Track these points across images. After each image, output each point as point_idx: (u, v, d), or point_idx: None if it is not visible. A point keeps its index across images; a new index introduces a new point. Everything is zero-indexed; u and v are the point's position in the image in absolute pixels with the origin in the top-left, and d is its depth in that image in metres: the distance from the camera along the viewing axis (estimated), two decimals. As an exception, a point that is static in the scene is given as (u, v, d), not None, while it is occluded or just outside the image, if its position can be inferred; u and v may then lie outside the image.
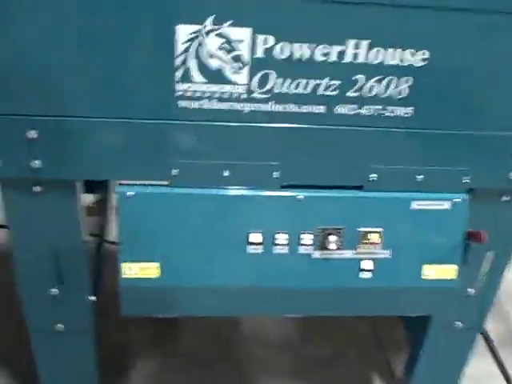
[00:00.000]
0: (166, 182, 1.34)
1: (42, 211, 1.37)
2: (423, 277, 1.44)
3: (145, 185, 1.36)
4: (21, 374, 1.90)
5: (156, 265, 1.38)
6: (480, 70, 1.25)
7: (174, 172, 1.31)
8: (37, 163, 1.26)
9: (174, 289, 1.41)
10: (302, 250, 1.39)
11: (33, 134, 1.22)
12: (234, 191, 1.35)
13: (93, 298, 1.54)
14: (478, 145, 1.34)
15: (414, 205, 1.39)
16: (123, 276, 1.38)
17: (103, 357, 1.76)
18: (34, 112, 1.21)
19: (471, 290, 1.59)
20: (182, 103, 1.23)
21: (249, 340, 2.11)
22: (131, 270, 1.38)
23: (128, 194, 1.33)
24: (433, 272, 1.44)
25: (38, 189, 1.32)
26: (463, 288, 1.58)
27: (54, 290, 1.48)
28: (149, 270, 1.38)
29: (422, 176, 1.37)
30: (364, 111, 1.28)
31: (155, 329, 2.10)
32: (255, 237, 1.37)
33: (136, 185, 1.35)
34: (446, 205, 1.40)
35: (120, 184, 1.34)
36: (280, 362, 2.03)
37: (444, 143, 1.34)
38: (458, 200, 1.40)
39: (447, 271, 1.45)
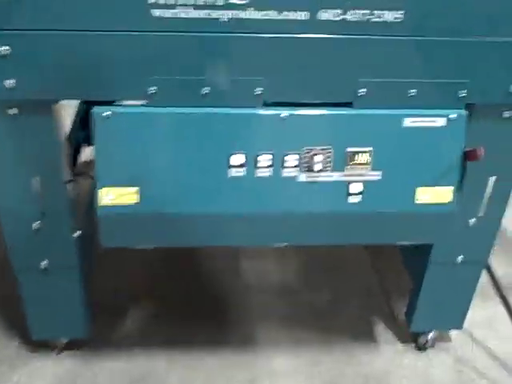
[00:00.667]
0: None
1: (19, 136, 1.31)
2: (417, 200, 1.36)
3: (121, 105, 1.31)
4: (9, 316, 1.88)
5: (134, 189, 1.31)
6: None
7: (151, 90, 1.24)
8: (10, 83, 1.20)
9: (154, 216, 1.35)
10: (286, 172, 1.31)
11: (5, 49, 1.16)
12: (215, 109, 1.28)
13: (77, 234, 1.49)
14: (475, 53, 1.24)
15: (407, 122, 1.30)
16: (101, 203, 1.32)
17: (98, 300, 1.74)
18: (6, 26, 1.14)
19: (472, 220, 1.50)
20: (156, 12, 1.16)
21: (247, 286, 2.06)
22: (109, 196, 1.32)
23: (104, 114, 1.27)
24: (427, 195, 1.35)
25: (14, 111, 1.27)
26: (464, 218, 1.49)
27: (36, 224, 1.44)
28: (127, 195, 1.32)
29: (414, 90, 1.27)
30: (349, 17, 1.19)
31: (152, 273, 2.06)
32: (237, 159, 1.30)
33: (113, 105, 1.29)
34: (442, 121, 1.31)
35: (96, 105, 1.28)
36: (279, 308, 1.97)
37: (437, 52, 1.24)
38: (454, 116, 1.30)
39: (443, 194, 1.36)
